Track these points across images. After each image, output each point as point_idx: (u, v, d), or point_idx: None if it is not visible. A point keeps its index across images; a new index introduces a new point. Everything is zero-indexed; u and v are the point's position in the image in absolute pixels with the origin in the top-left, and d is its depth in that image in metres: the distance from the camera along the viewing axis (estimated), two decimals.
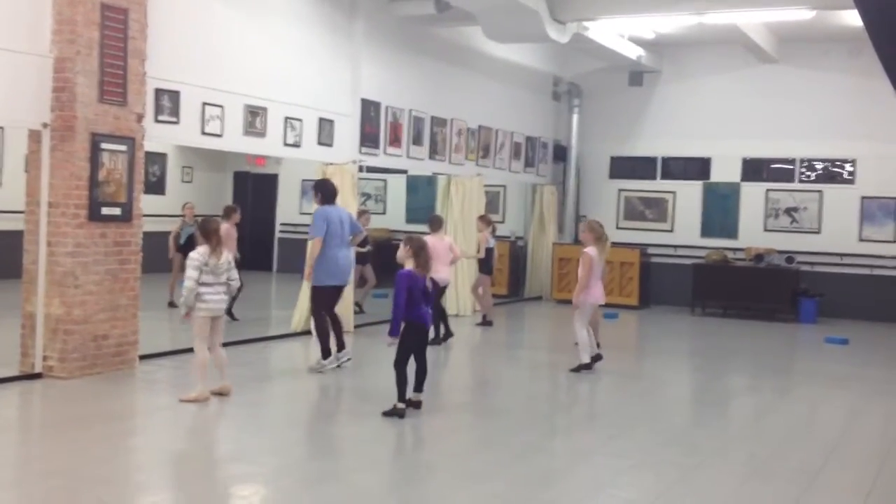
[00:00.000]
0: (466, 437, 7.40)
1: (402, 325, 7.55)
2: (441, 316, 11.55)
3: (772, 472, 6.53)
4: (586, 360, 9.86)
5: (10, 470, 5.95)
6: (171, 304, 12.95)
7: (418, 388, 7.81)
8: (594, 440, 7.28)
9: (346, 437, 7.33)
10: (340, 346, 9.47)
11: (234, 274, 8.04)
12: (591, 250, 9.79)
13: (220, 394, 7.92)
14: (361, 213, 13.53)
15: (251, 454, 6.54)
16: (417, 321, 7.65)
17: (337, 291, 9.61)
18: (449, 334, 11.55)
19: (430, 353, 10.67)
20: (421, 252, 7.68)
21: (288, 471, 6.20)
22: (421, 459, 6.76)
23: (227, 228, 12.34)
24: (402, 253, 7.75)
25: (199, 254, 7.74)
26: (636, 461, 6.62)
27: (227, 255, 7.99)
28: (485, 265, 13.21)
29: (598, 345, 10.29)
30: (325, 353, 9.35)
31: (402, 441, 7.29)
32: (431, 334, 11.22)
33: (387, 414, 7.56)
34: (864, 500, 5.94)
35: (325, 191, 9.63)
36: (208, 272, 7.76)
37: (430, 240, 11.08)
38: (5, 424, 7.21)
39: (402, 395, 7.63)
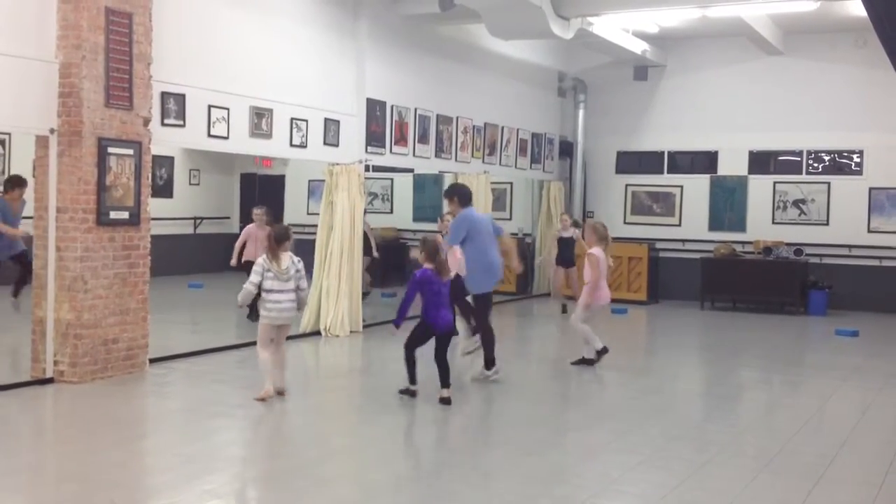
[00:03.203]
0: (478, 434, 7.41)
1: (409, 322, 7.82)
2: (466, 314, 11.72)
3: (783, 465, 6.52)
4: (593, 352, 9.90)
5: (23, 475, 5.97)
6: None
7: (444, 384, 7.99)
8: (605, 436, 7.28)
9: (358, 436, 7.34)
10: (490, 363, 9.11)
11: (304, 283, 8.02)
12: (596, 251, 9.87)
13: (278, 393, 8.03)
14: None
15: (264, 455, 6.56)
16: (433, 323, 7.85)
17: (482, 299, 9.33)
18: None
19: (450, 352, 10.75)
20: (436, 255, 7.90)
21: (300, 471, 6.22)
22: (432, 457, 6.76)
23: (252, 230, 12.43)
24: (419, 256, 7.96)
25: (262, 258, 7.83)
26: (647, 457, 6.62)
27: (293, 261, 7.94)
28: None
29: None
30: (489, 363, 9.06)
31: (413, 439, 7.31)
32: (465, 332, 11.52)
33: (401, 392, 8.00)
34: (875, 492, 5.93)
35: (461, 194, 9.30)
36: (272, 278, 7.76)
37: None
38: (18, 430, 7.24)
39: (412, 378, 7.96)
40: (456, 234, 9.10)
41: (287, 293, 7.86)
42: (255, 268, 7.87)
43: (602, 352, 9.92)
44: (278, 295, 7.82)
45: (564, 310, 12.63)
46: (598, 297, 9.96)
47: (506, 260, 9.52)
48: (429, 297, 7.84)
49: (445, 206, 14.34)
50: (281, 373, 8.17)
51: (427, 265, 7.91)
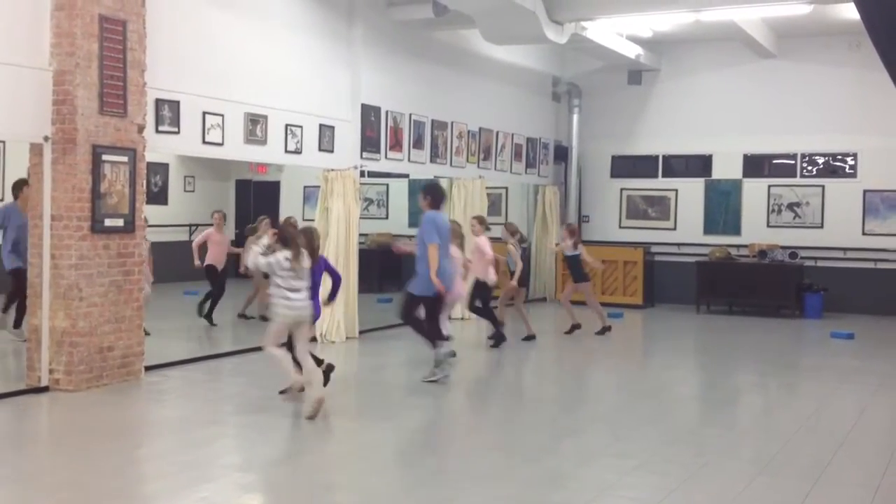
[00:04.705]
0: (474, 440, 7.39)
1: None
2: (492, 318, 11.69)
3: (780, 468, 6.52)
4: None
5: (18, 484, 5.95)
6: (242, 315, 13.37)
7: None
8: (601, 440, 7.27)
9: (355, 443, 7.32)
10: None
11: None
12: (452, 249, 10.02)
13: (312, 415, 7.61)
14: (286, 220, 13.91)
15: (259, 464, 6.55)
16: (316, 314, 8.18)
17: (433, 301, 9.35)
18: (502, 338, 11.70)
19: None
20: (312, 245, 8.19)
21: (297, 479, 6.21)
22: (430, 463, 6.75)
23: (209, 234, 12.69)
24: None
25: (285, 256, 7.61)
26: (643, 461, 6.61)
27: (307, 259, 7.85)
28: (578, 273, 12.90)
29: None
30: (434, 344, 9.24)
31: (410, 446, 7.29)
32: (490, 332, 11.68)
33: (283, 392, 8.12)
34: (873, 494, 5.93)
35: (434, 195, 9.49)
36: (295, 277, 7.64)
37: (482, 240, 11.49)
38: (13, 438, 7.22)
39: (317, 362, 8.17)
40: (431, 234, 9.17)
41: (303, 291, 7.75)
42: (274, 256, 7.62)
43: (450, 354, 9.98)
44: (298, 293, 7.69)
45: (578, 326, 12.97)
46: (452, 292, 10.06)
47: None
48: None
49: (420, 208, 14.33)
50: (312, 385, 7.85)
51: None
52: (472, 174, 14.80)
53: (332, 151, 11.81)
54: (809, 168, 16.21)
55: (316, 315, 8.33)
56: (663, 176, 17.26)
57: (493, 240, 15.23)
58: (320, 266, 8.34)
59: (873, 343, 12.77)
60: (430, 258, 9.07)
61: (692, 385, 10.26)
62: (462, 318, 13.09)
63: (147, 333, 11.11)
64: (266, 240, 7.86)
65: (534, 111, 16.93)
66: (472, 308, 11.82)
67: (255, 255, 7.75)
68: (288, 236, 7.79)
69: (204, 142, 9.94)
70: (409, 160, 13.41)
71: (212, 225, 13.17)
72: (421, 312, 9.41)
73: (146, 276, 11.01)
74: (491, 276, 11.49)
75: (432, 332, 9.33)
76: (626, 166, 17.54)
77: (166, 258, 13.61)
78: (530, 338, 12.16)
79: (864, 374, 10.41)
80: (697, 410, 8.88)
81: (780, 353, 12.18)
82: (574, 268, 12.93)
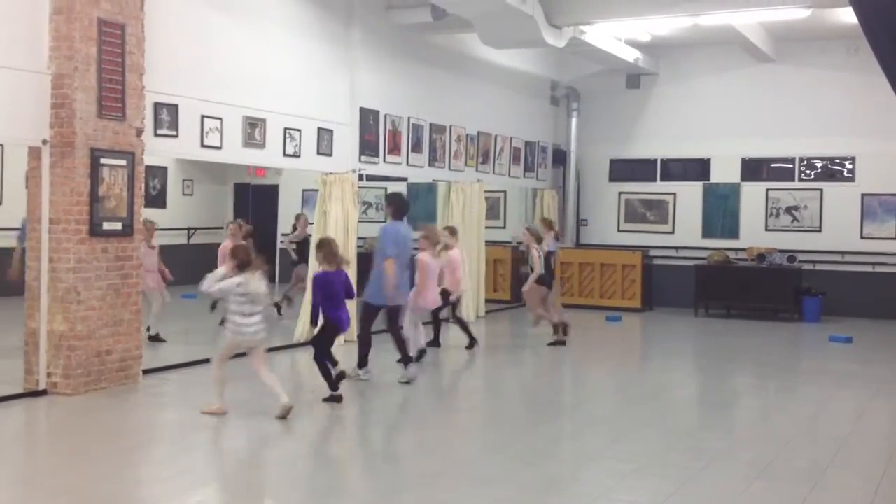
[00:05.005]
0: (472, 444, 7.39)
1: (322, 320, 8.39)
2: (463, 326, 11.77)
3: (778, 472, 6.52)
4: (413, 352, 10.03)
5: (16, 488, 5.95)
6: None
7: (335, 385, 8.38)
8: (599, 444, 7.27)
9: (352, 446, 7.33)
10: (406, 361, 9.38)
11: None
12: (424, 255, 9.99)
13: (284, 416, 7.62)
14: (298, 216, 14.21)
15: (258, 467, 6.55)
16: (334, 322, 8.38)
17: (390, 310, 9.44)
18: (473, 342, 11.66)
19: (447, 359, 10.78)
20: (329, 253, 8.41)
21: (295, 484, 6.20)
22: (428, 467, 6.74)
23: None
24: (317, 257, 8.64)
25: (236, 282, 7.52)
26: (642, 465, 6.61)
27: (264, 283, 7.73)
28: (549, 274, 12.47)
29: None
30: (362, 361, 9.43)
31: (408, 449, 7.29)
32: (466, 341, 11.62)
33: (326, 400, 8.19)
34: (871, 498, 5.93)
35: (398, 204, 9.64)
36: (248, 301, 7.57)
37: (454, 253, 11.35)
38: (11, 442, 7.21)
39: (332, 384, 8.25)
40: (387, 247, 9.22)
41: (258, 315, 7.67)
42: (227, 285, 7.54)
43: (419, 354, 10.10)
44: (250, 318, 7.61)
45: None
46: (422, 299, 10.07)
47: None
48: (330, 296, 8.32)
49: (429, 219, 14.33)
50: (277, 390, 7.80)
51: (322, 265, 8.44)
52: (470, 178, 14.80)
53: (330, 155, 11.81)
54: (808, 172, 16.22)
55: (343, 327, 8.63)
56: (661, 179, 17.27)
57: (496, 242, 15.26)
58: (339, 277, 8.42)
59: (871, 347, 12.77)
60: (386, 272, 9.13)
61: (690, 388, 10.26)
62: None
63: (162, 339, 11.21)
64: (224, 270, 7.70)
65: (532, 115, 16.94)
66: (434, 314, 11.80)
67: (210, 283, 7.65)
68: (242, 261, 7.63)
69: (202, 145, 9.94)
70: (407, 164, 13.42)
71: (220, 227, 13.09)
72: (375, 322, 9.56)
73: (159, 283, 11.03)
74: (461, 290, 11.60)
75: (365, 351, 9.47)
76: (625, 170, 17.55)
77: (165, 261, 13.57)
78: (560, 342, 12.04)
79: (863, 378, 10.42)
80: (696, 414, 8.88)
81: (779, 356, 12.18)
82: (547, 267, 12.22)
